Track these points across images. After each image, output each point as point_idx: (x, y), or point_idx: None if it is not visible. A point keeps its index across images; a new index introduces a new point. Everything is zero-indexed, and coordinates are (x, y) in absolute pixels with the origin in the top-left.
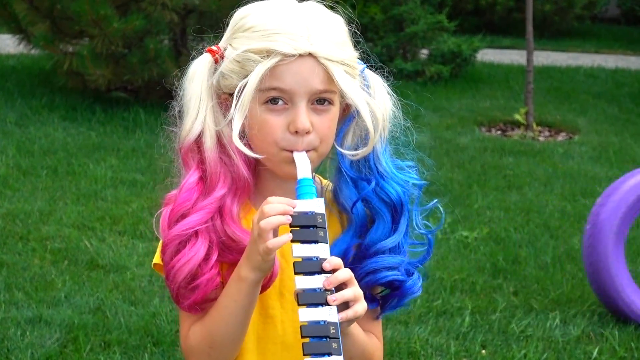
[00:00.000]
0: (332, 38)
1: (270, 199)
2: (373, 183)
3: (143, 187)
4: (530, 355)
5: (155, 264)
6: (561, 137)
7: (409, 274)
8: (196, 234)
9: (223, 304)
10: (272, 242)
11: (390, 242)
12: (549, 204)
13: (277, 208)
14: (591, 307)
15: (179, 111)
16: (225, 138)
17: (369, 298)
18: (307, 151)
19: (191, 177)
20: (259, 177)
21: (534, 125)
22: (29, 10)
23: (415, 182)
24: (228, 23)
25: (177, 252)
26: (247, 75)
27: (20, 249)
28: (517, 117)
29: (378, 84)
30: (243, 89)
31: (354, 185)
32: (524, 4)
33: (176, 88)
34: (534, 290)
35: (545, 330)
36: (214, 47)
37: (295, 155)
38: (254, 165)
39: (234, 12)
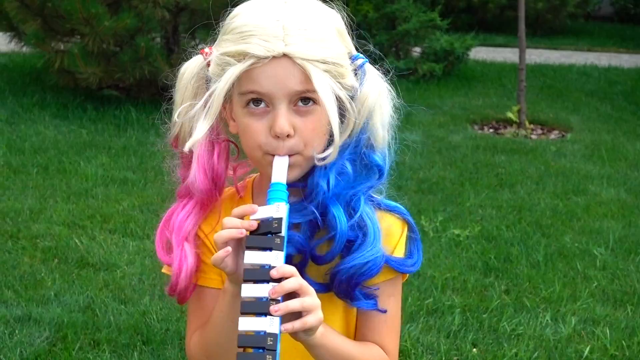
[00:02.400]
0: (312, 36)
1: (234, 210)
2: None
3: (134, 185)
4: (522, 353)
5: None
6: (553, 135)
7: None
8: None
9: (213, 314)
10: (213, 258)
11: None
12: (541, 202)
13: (233, 222)
14: (582, 306)
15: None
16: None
17: (364, 296)
18: (290, 155)
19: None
20: (262, 177)
21: (527, 124)
22: (20, 8)
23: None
24: (224, 20)
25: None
26: (221, 77)
27: (10, 247)
28: (510, 115)
29: (372, 78)
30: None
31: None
32: (517, 2)
33: (169, 87)
34: (526, 289)
35: (537, 329)
36: (206, 49)
37: (275, 159)
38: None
39: (230, 10)
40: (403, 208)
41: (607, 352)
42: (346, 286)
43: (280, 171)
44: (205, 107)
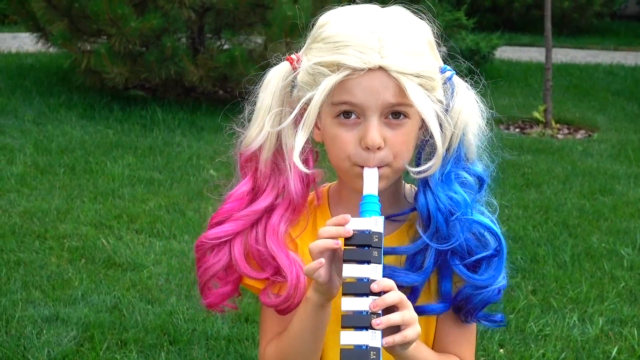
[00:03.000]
0: (407, 49)
1: (329, 221)
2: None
3: (160, 185)
4: (549, 354)
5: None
6: (580, 134)
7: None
8: (226, 242)
9: (293, 323)
10: (306, 268)
11: (390, 250)
12: (568, 202)
13: (329, 231)
14: (610, 306)
15: (249, 115)
16: (287, 152)
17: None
18: (379, 167)
19: (242, 187)
20: (342, 186)
21: (553, 123)
22: (47, 8)
23: (461, 197)
24: (311, 28)
25: (205, 255)
26: (313, 87)
27: (38, 247)
28: (536, 114)
29: (462, 92)
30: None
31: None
32: (543, 1)
33: (249, 90)
34: (553, 289)
35: (564, 329)
36: (293, 56)
37: (365, 170)
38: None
39: (317, 17)
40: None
41: (635, 353)
42: (472, 306)
43: (372, 183)
44: (288, 114)
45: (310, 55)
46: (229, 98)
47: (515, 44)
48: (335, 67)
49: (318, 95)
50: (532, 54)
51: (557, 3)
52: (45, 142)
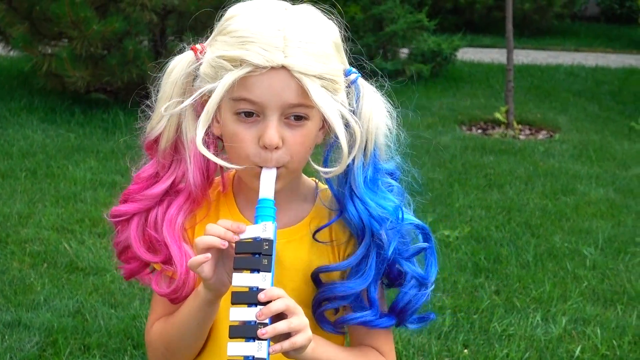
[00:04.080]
0: (312, 50)
1: (220, 221)
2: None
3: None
4: (513, 354)
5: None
6: (542, 135)
7: (372, 304)
8: (128, 221)
9: (181, 311)
10: (190, 261)
11: (335, 267)
12: (530, 203)
13: (217, 230)
14: (573, 306)
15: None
16: (187, 141)
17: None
18: (277, 167)
19: (147, 170)
20: (242, 182)
21: (515, 124)
22: (8, 11)
23: (391, 203)
24: (218, 19)
25: (116, 231)
26: (215, 80)
27: None
28: (498, 115)
29: (368, 95)
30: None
31: (338, 202)
32: (504, 3)
33: (155, 81)
34: (516, 289)
35: (527, 329)
36: (198, 46)
37: (263, 172)
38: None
39: (226, 9)
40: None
41: (598, 352)
42: (415, 308)
43: (268, 185)
44: (192, 105)
45: (214, 48)
46: None
47: (477, 45)
48: (238, 62)
49: (219, 89)
50: (493, 56)
51: (518, 4)
52: (6, 146)
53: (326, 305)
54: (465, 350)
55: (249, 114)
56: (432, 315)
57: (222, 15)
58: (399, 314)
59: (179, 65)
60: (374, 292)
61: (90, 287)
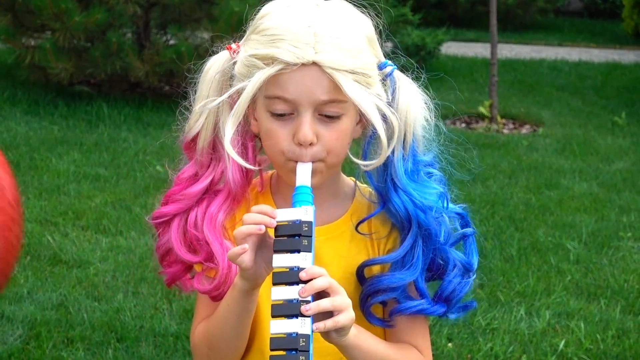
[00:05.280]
0: (343, 45)
1: (255, 207)
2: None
3: (106, 181)
4: (497, 348)
5: None
6: (525, 129)
7: (422, 294)
8: (169, 223)
9: (220, 307)
10: (229, 252)
11: (381, 260)
12: (514, 197)
13: (254, 218)
14: (556, 300)
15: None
16: (224, 140)
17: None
18: (313, 162)
19: (187, 171)
20: (280, 181)
21: (498, 118)
22: None
23: (435, 192)
24: (253, 18)
25: (157, 235)
26: (249, 78)
27: None
28: (482, 109)
29: (405, 87)
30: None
31: (379, 195)
32: None
33: (191, 79)
34: (500, 283)
35: (511, 323)
36: (233, 45)
37: (299, 164)
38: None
39: (260, 7)
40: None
41: (582, 346)
42: (460, 295)
43: (305, 175)
44: (229, 104)
45: (247, 47)
46: (175, 93)
47: (461, 39)
48: (270, 60)
49: (250, 87)
50: (477, 50)
51: None
52: None
53: (376, 298)
54: (450, 344)
55: (282, 115)
56: (474, 303)
57: (256, 14)
58: (444, 303)
59: (214, 65)
60: (422, 282)
61: (74, 280)
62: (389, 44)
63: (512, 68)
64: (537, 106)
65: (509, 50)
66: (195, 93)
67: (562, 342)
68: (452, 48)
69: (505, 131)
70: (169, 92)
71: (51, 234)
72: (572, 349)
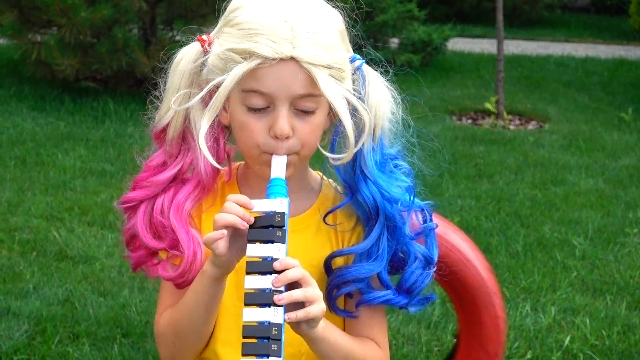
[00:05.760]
0: (320, 40)
1: (233, 196)
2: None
3: (112, 177)
4: None
5: None
6: (531, 125)
7: (386, 285)
8: (136, 208)
9: (187, 294)
10: (206, 236)
11: (348, 250)
12: (520, 193)
13: (235, 209)
14: (562, 296)
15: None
16: (196, 132)
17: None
18: (288, 154)
19: (156, 158)
20: (249, 168)
21: (505, 114)
22: None
23: (402, 185)
24: (224, 10)
25: (125, 219)
26: (224, 72)
27: None
28: (488, 105)
29: (374, 81)
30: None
31: (347, 186)
32: None
33: (161, 70)
34: (505, 279)
35: (517, 319)
36: (204, 36)
37: (274, 157)
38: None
39: (228, 1)
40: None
41: (588, 342)
42: (421, 288)
43: (280, 168)
44: (202, 98)
45: (221, 39)
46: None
47: (467, 35)
48: (247, 54)
49: (228, 81)
50: (483, 46)
51: None
52: None
53: (343, 289)
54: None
55: (258, 109)
56: (434, 296)
57: (226, 6)
58: (406, 294)
59: (186, 56)
60: (385, 274)
61: (80, 276)
62: (395, 40)
63: (518, 64)
64: (544, 102)
65: (515, 46)
66: (165, 84)
67: (568, 338)
68: (458, 44)
69: (512, 127)
70: None
71: (57, 229)
72: (577, 345)
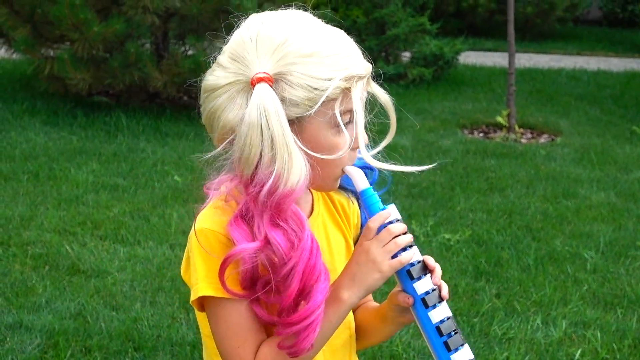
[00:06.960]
0: None
1: (376, 218)
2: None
3: (124, 191)
4: (513, 357)
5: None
6: (543, 139)
7: None
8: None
9: (322, 327)
10: (403, 256)
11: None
12: (531, 206)
13: (400, 228)
14: (573, 309)
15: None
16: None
17: None
18: None
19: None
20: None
21: (516, 128)
22: (10, 14)
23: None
24: (254, 42)
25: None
26: (316, 102)
27: (1, 254)
28: (500, 119)
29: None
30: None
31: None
32: (506, 7)
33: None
34: (516, 293)
35: (528, 333)
36: (261, 75)
37: (347, 169)
38: None
39: (258, 34)
40: None
41: (599, 355)
42: None
43: (362, 177)
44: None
45: (300, 70)
46: (193, 104)
47: (479, 49)
48: (349, 78)
49: (357, 106)
50: (495, 59)
51: (520, 8)
52: (9, 149)
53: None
54: None
55: (349, 123)
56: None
57: (235, 22)
58: None
59: (270, 110)
60: None
61: (92, 290)
62: (407, 54)
63: (530, 77)
64: (555, 115)
65: (527, 60)
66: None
67: (579, 352)
68: (470, 57)
69: (523, 141)
70: (187, 103)
71: (70, 243)
72: (588, 359)
